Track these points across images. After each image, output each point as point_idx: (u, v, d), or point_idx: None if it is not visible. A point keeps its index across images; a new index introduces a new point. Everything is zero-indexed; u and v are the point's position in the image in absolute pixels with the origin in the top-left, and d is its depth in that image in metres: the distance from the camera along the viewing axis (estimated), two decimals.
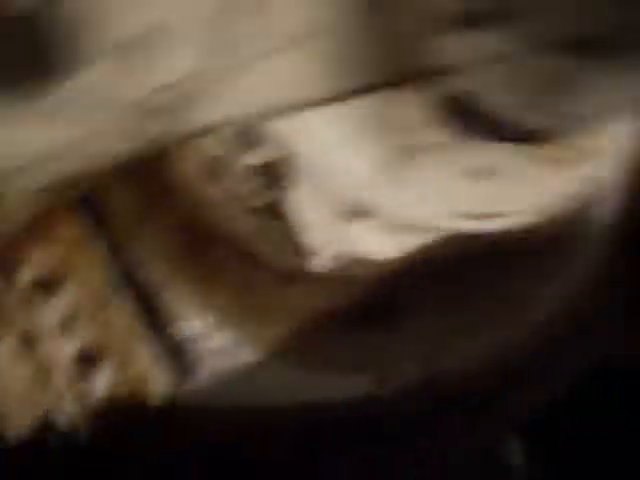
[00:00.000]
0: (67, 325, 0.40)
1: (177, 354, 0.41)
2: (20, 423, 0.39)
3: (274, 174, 0.38)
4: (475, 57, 0.32)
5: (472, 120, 0.32)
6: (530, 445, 0.52)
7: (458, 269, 0.39)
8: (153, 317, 0.41)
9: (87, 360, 0.40)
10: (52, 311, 0.39)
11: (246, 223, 0.40)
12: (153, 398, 0.39)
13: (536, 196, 0.34)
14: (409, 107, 0.33)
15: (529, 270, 0.43)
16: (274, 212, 0.39)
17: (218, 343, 0.41)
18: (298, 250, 0.38)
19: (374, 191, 0.35)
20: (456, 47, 0.31)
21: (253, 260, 0.40)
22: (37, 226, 0.39)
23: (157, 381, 0.39)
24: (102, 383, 0.39)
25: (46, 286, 0.40)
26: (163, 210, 0.40)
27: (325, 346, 0.42)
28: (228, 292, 0.41)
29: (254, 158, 0.37)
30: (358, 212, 0.36)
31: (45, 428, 0.39)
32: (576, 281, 0.45)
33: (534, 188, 0.35)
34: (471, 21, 0.31)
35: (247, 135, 0.37)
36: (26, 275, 0.39)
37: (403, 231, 0.37)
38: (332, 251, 0.38)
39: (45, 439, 0.39)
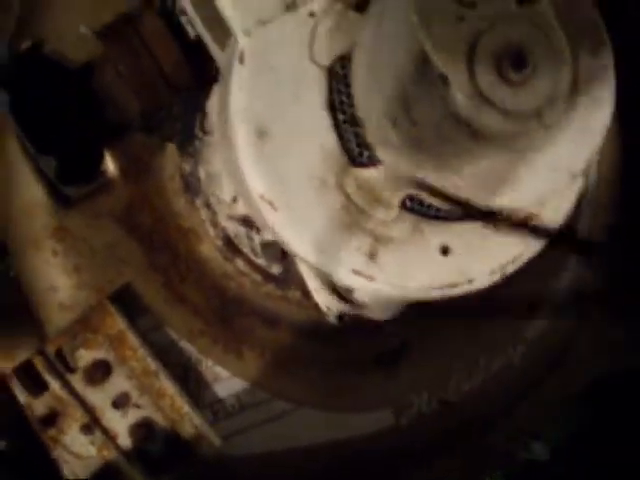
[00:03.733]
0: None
1: (217, 413, 0.47)
2: None
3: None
4: None
5: None
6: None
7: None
8: (194, 385, 0.47)
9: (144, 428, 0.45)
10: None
11: (267, 289, 0.47)
12: (203, 452, 0.45)
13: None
14: None
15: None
16: (289, 279, 0.46)
17: (253, 399, 0.47)
18: (316, 308, 0.44)
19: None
20: None
21: (276, 322, 0.47)
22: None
23: (205, 438, 0.45)
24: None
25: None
26: (190, 290, 0.47)
27: (349, 389, 0.48)
28: (255, 354, 0.47)
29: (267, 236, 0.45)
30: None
31: None
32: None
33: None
34: None
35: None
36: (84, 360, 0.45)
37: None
38: (336, 311, 0.44)
39: None
